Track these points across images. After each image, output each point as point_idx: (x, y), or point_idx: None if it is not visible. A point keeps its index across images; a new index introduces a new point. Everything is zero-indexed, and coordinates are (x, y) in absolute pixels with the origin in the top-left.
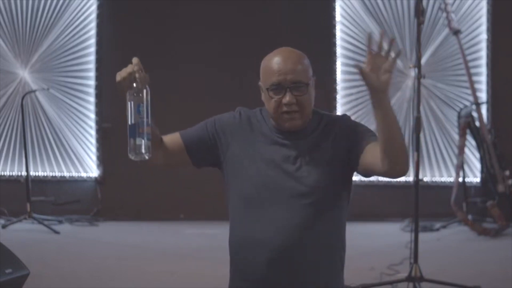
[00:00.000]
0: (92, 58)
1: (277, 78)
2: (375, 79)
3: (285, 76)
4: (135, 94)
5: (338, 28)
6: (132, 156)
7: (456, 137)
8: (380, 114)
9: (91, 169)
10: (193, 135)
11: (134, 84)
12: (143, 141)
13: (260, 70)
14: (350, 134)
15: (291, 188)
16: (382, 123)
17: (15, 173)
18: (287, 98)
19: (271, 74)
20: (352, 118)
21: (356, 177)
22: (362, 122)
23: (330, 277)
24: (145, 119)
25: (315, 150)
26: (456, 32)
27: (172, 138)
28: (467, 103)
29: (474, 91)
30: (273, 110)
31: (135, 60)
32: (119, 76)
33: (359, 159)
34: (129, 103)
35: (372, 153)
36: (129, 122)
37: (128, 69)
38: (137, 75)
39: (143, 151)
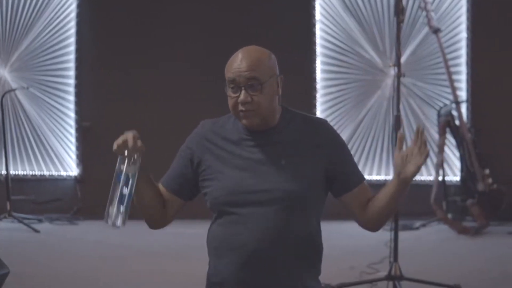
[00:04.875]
0: (71, 57)
1: (232, 75)
2: (406, 169)
3: (240, 73)
4: (125, 163)
5: (318, 27)
6: (106, 221)
7: (436, 135)
8: (394, 198)
9: (70, 168)
10: (173, 176)
11: (126, 152)
12: (121, 208)
13: None
14: (337, 156)
15: (266, 192)
16: (390, 204)
17: None
18: (241, 97)
19: (228, 71)
20: (331, 119)
21: None
22: (342, 121)
23: (306, 280)
24: (128, 190)
25: (294, 152)
26: (436, 31)
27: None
28: (447, 102)
29: (454, 89)
30: (231, 108)
31: (130, 134)
32: (115, 144)
33: (342, 195)
34: (117, 169)
35: (359, 201)
36: (112, 189)
37: (122, 138)
38: (130, 143)
39: (117, 222)
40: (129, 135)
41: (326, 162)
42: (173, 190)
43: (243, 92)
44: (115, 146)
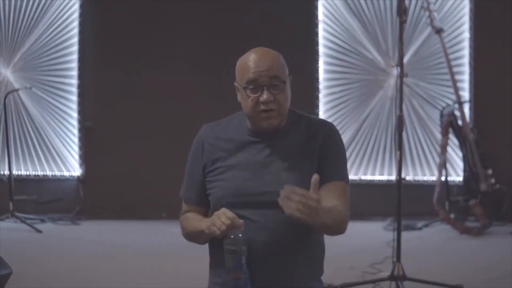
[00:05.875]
0: (74, 57)
1: (253, 75)
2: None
3: (262, 73)
4: (232, 246)
5: (321, 27)
6: None
7: (438, 136)
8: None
9: (73, 168)
10: (189, 188)
11: (232, 236)
12: None
13: (235, 70)
14: (326, 151)
15: (268, 194)
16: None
17: None
18: (264, 96)
19: (247, 71)
20: (334, 119)
21: None
22: (345, 121)
23: (309, 280)
24: (244, 268)
25: (297, 154)
26: (439, 31)
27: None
28: (450, 102)
29: (456, 89)
30: (251, 109)
31: (230, 213)
32: (218, 230)
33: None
34: (226, 254)
35: (327, 199)
36: (228, 274)
37: (227, 221)
38: (238, 224)
39: None
40: (229, 216)
41: (318, 158)
42: (195, 202)
43: (265, 91)
44: (217, 232)
